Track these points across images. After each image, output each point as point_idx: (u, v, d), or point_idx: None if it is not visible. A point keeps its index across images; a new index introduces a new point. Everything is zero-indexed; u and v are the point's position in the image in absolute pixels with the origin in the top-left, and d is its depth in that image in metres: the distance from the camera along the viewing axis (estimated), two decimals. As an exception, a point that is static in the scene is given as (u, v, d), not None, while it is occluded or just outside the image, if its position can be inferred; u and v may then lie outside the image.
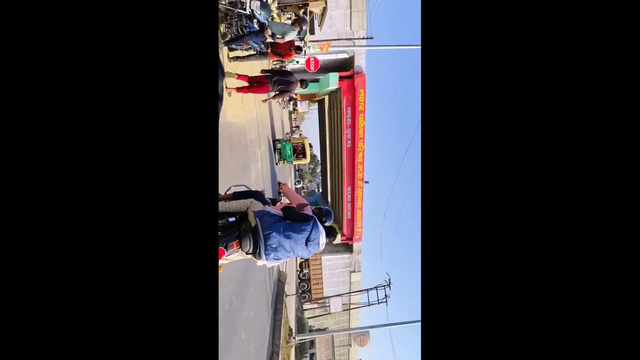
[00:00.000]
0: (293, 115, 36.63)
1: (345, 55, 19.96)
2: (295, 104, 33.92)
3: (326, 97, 27.02)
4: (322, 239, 2.49)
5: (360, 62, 20.06)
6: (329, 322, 23.49)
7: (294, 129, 34.30)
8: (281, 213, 2.43)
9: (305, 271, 22.50)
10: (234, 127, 5.66)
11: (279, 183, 3.17)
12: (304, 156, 11.27)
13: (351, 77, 20.34)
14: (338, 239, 24.80)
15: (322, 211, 2.74)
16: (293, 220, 2.37)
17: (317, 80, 23.41)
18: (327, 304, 19.67)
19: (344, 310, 20.45)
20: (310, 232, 2.37)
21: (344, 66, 22.04)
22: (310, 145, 11.47)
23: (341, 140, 22.67)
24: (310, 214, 2.52)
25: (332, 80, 20.23)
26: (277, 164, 10.63)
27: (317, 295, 22.99)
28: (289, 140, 11.01)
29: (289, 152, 10.73)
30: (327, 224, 2.66)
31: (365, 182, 22.71)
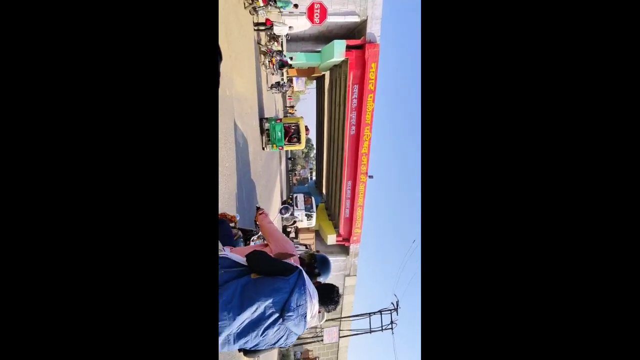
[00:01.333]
0: (287, 93, 32.28)
1: (355, 18, 15.74)
2: (287, 72, 29.62)
3: (327, 73, 22.76)
4: (313, 307, 1.54)
5: (373, 29, 15.88)
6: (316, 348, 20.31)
7: (287, 108, 30.00)
8: (245, 260, 1.60)
9: (293, 276, 19.23)
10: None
11: (258, 208, 2.19)
12: (298, 140, 8.90)
13: (361, 47, 16.19)
14: (333, 240, 21.26)
15: (314, 260, 1.90)
16: (263, 273, 1.50)
17: (317, 51, 19.10)
18: (320, 333, 16.21)
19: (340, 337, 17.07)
20: (291, 294, 1.45)
21: (353, 33, 17.83)
22: (307, 129, 9.26)
23: (343, 125, 18.72)
24: (294, 264, 1.60)
25: (338, 50, 16.03)
26: (263, 148, 8.53)
27: (306, 305, 19.84)
28: (280, 120, 8.53)
29: (280, 134, 8.38)
30: (322, 280, 1.86)
31: (369, 176, 18.97)
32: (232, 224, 2.57)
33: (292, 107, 28.87)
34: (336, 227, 21.68)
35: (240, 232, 2.68)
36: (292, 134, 8.88)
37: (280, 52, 8.38)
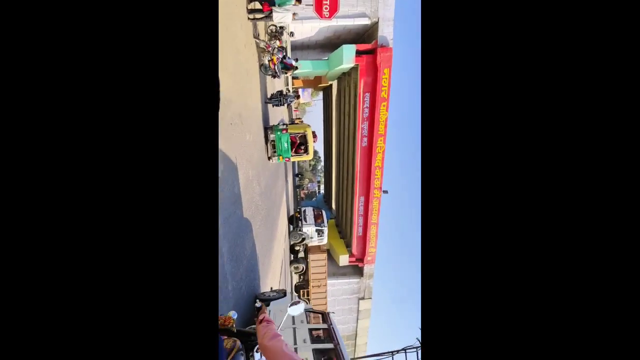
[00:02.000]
0: (293, 106, 31.10)
1: (365, 21, 14.43)
2: (292, 82, 28.43)
3: (334, 83, 21.47)
4: None
5: (385, 32, 14.54)
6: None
7: (294, 121, 28.91)
8: None
9: (303, 300, 17.30)
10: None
11: (258, 309, 1.99)
12: (306, 151, 8.48)
13: (372, 52, 14.84)
14: (345, 261, 19.50)
15: None
16: None
17: (324, 59, 17.83)
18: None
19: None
20: None
21: (362, 38, 16.54)
22: (315, 135, 8.60)
23: (354, 137, 17.25)
24: None
25: (347, 56, 14.68)
26: (269, 159, 8.08)
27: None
28: (286, 130, 7.93)
29: (286, 145, 7.92)
30: None
31: (384, 191, 17.36)
32: (225, 336, 1.93)
33: (299, 119, 27.63)
34: (348, 246, 19.97)
35: (238, 342, 1.90)
36: (298, 144, 8.33)
37: (283, 49, 6.92)
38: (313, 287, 16.69)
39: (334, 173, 24.71)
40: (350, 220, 19.38)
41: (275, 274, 9.07)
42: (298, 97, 27.90)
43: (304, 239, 16.74)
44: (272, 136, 7.75)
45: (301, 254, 17.21)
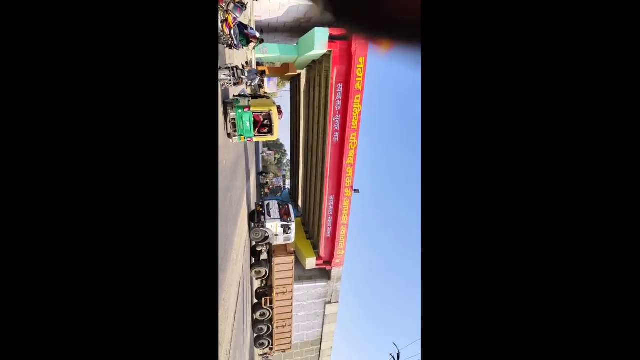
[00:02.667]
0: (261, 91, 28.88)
1: (340, 3, 12.91)
2: (262, 80, 26.21)
3: (303, 72, 19.79)
4: None
5: (361, 16, 13.12)
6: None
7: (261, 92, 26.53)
8: None
9: (265, 309, 15.51)
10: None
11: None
12: (270, 131, 7.84)
13: (347, 37, 13.39)
14: (312, 264, 18.14)
15: None
16: None
17: (294, 45, 16.05)
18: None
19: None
20: None
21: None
22: (280, 111, 7.85)
23: (325, 131, 15.79)
24: None
25: (319, 40, 13.10)
26: (229, 136, 7.33)
27: (282, 344, 16.29)
28: (249, 108, 7.15)
29: (249, 125, 7.28)
30: None
31: (355, 190, 16.16)
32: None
33: (265, 93, 25.53)
34: (315, 247, 18.63)
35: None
36: (262, 123, 7.64)
37: (242, 6, 5.05)
38: (277, 294, 15.11)
39: (301, 169, 23.16)
40: (318, 220, 18.01)
41: (232, 280, 7.87)
42: (262, 77, 25.82)
43: (267, 238, 14.37)
44: (232, 114, 6.85)
45: (264, 256, 15.41)
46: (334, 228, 17.23)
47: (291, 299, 15.62)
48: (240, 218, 10.61)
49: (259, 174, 28.86)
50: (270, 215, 14.35)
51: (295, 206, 25.23)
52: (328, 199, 16.63)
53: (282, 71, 21.97)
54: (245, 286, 12.59)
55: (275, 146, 62.65)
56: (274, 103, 7.48)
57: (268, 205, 14.85)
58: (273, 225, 14.22)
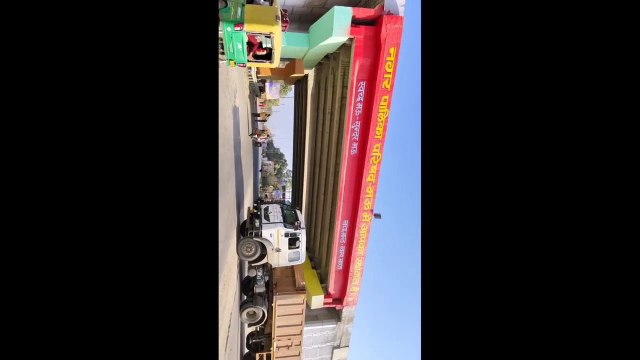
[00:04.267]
0: (258, 100, 25.75)
1: (368, -24, 9.87)
2: (262, 85, 23.14)
3: (311, 73, 16.69)
4: None
5: (394, -5, 10.06)
6: None
7: (258, 115, 23.32)
8: None
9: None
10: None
11: None
12: (269, 57, 5.81)
13: (375, 22, 10.30)
14: (319, 302, 14.65)
15: None
16: None
17: (305, 33, 12.98)
18: None
19: None
20: None
21: (359, 4, 11.96)
22: (285, 22, 6.23)
23: (340, 142, 12.58)
24: None
25: (340, 23, 9.96)
26: (221, 58, 5.70)
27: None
28: (241, 26, 5.03)
29: (240, 47, 5.32)
30: None
31: (376, 215, 12.85)
32: None
33: (265, 114, 22.29)
34: (323, 281, 15.21)
35: None
36: (259, 45, 5.77)
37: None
38: (279, 347, 11.42)
39: (305, 186, 19.86)
40: (327, 248, 14.64)
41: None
42: (263, 88, 22.70)
43: (263, 256, 9.61)
44: (220, 32, 5.17)
45: (259, 286, 10.63)
46: (347, 260, 13.85)
47: (299, 354, 11.65)
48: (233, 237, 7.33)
49: (257, 199, 25.04)
50: (268, 220, 9.54)
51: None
52: (341, 224, 13.30)
53: (286, 72, 18.83)
54: (233, 332, 9.05)
55: (275, 156, 59.52)
56: (277, 18, 5.21)
57: (267, 208, 10.27)
58: (273, 234, 9.32)
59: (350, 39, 10.51)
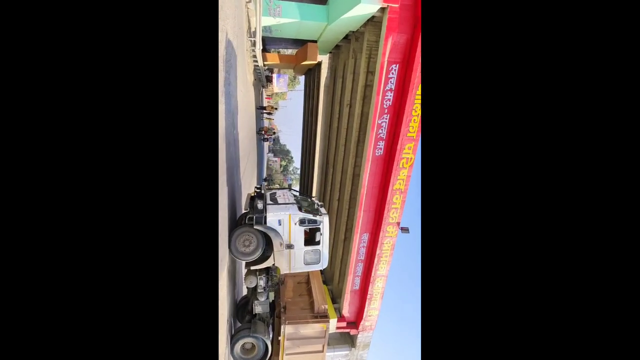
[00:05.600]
0: (265, 92, 23.41)
1: None
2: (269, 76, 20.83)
3: (325, 59, 14.33)
4: None
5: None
6: None
7: (264, 108, 20.99)
8: None
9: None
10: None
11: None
12: None
13: (416, -15, 7.94)
14: (332, 326, 12.44)
15: None
16: None
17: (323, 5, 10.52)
18: None
19: None
20: None
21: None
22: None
23: (363, 140, 10.29)
24: None
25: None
26: None
27: None
28: None
29: None
30: None
31: (404, 229, 10.54)
32: None
33: (272, 108, 19.96)
34: (336, 301, 12.99)
35: None
36: None
37: None
38: None
39: (315, 188, 17.59)
40: (342, 264, 12.41)
41: None
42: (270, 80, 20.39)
43: (266, 258, 6.60)
44: None
45: (261, 305, 7.40)
46: (366, 279, 11.61)
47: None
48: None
49: (263, 180, 23.05)
50: (276, 202, 6.74)
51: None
52: (360, 237, 11.05)
53: (297, 59, 16.48)
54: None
55: (282, 152, 57.35)
56: None
57: (274, 193, 7.33)
58: (283, 221, 6.39)
59: (382, 9, 8.17)
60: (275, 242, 6.44)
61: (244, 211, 7.57)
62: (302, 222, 6.58)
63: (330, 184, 14.21)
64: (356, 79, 10.71)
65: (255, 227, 6.27)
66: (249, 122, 11.93)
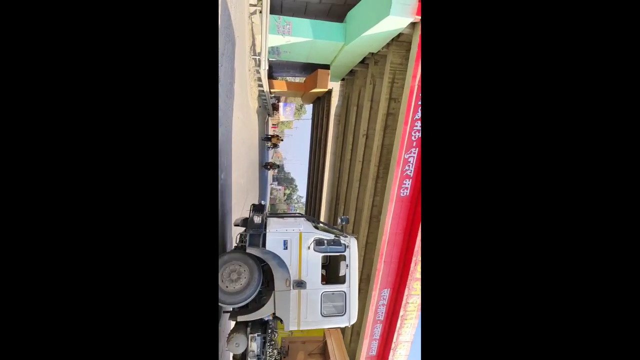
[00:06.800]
0: (270, 121, 22.25)
1: None
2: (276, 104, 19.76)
3: (336, 87, 12.98)
4: None
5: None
6: None
7: (269, 139, 19.79)
8: None
9: None
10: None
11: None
12: None
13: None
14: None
15: None
16: None
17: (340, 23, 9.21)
18: None
19: None
20: None
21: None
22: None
23: (383, 177, 8.59)
24: None
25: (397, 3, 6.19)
26: None
27: None
28: None
29: None
30: None
31: (433, 287, 8.51)
32: None
33: (277, 138, 18.59)
34: (348, 366, 10.67)
35: None
36: None
37: None
38: None
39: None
40: (357, 323, 10.26)
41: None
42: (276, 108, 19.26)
43: (262, 302, 4.27)
44: None
45: (253, 353, 4.36)
46: (386, 345, 9.42)
47: None
48: None
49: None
50: (282, 217, 4.98)
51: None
52: (379, 293, 9.03)
53: (305, 87, 15.25)
54: None
55: (286, 180, 55.94)
56: None
57: (280, 214, 5.57)
58: (289, 242, 4.32)
59: (413, 25, 6.76)
60: (278, 277, 4.18)
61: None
62: (319, 244, 4.30)
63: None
64: (375, 107, 9.23)
65: (248, 250, 4.10)
66: (249, 154, 10.33)
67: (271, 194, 41.82)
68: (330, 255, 4.60)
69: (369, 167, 9.41)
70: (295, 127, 39.49)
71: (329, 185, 14.59)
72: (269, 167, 17.92)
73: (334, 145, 13.99)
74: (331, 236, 4.54)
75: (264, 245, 4.27)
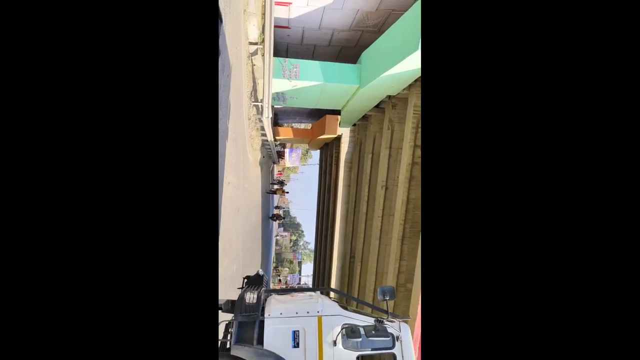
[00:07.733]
0: (276, 168, 21.31)
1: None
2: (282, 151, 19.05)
3: (346, 133, 11.92)
4: None
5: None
6: None
7: (274, 184, 18.81)
8: None
9: None
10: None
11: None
12: None
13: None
14: None
15: None
16: None
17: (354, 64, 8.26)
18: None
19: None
20: None
21: None
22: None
23: (410, 237, 7.03)
24: None
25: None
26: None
27: None
28: None
29: None
30: None
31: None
32: None
33: (282, 183, 17.41)
34: None
35: None
36: None
37: None
38: None
39: (334, 285, 13.75)
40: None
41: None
42: (282, 156, 18.45)
43: None
44: None
45: None
46: None
47: None
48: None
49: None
50: (286, 295, 3.34)
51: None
52: None
53: (312, 134, 14.34)
54: None
55: (292, 226, 54.12)
56: None
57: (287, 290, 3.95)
58: (301, 333, 2.56)
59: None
60: None
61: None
62: (351, 335, 2.67)
63: (358, 286, 10.52)
64: (394, 154, 7.98)
65: (234, 351, 2.58)
66: (250, 217, 8.94)
67: (277, 244, 39.81)
68: (371, 354, 2.81)
69: (391, 223, 7.92)
70: (301, 171, 38.70)
71: (341, 237, 12.97)
72: (275, 218, 16.55)
73: (345, 194, 12.62)
74: (370, 320, 2.79)
75: (260, 340, 2.59)
